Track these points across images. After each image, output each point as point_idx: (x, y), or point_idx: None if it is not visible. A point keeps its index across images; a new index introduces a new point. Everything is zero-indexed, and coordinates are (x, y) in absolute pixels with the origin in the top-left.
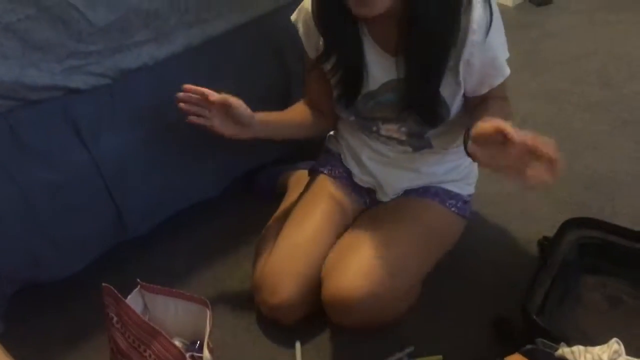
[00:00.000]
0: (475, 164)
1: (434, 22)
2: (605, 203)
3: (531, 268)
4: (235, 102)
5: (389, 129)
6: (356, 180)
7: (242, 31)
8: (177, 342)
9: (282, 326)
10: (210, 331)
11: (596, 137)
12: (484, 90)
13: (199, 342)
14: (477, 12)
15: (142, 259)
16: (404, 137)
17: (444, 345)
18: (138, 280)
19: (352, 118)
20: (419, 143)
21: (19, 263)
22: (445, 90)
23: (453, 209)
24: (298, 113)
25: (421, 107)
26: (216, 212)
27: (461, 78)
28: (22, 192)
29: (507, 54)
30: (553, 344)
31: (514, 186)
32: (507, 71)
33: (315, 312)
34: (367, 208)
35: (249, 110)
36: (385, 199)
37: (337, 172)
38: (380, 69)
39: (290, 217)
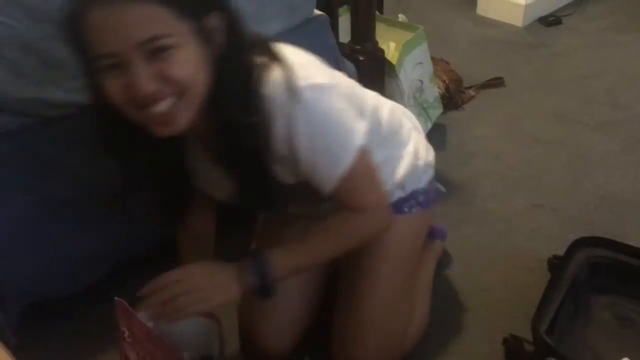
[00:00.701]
0: (419, 156)
1: (228, 105)
2: (615, 222)
3: (541, 287)
4: None
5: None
6: None
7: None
8: (187, 357)
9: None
10: (221, 347)
11: (606, 156)
12: (324, 188)
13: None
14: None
15: (150, 274)
16: (306, 214)
17: None
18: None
19: None
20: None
21: (29, 280)
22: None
23: (414, 209)
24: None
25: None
26: (230, 226)
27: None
28: (37, 205)
29: (346, 157)
30: None
31: (523, 205)
32: (338, 172)
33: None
34: None
35: None
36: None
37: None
38: (213, 179)
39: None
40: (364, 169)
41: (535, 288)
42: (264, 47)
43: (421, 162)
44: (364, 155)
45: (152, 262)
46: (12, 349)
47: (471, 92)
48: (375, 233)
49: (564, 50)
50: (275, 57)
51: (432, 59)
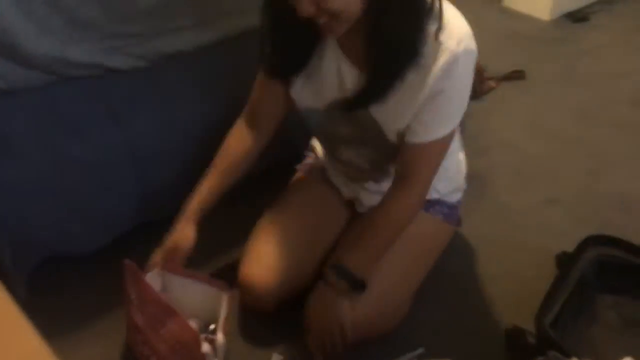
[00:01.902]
0: (461, 170)
1: (396, 28)
2: (628, 223)
3: (548, 281)
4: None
5: (349, 154)
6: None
7: None
8: (193, 324)
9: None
10: (228, 315)
11: (624, 156)
12: (414, 139)
13: (213, 326)
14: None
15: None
16: (366, 165)
17: (455, 349)
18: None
19: (314, 124)
20: (379, 175)
21: (48, 233)
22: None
23: (439, 215)
24: (236, 153)
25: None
26: (245, 198)
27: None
28: (56, 166)
29: (462, 108)
30: (564, 358)
31: (537, 200)
32: (448, 129)
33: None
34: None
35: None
36: (362, 210)
37: (317, 174)
38: (334, 75)
39: (268, 212)
40: (441, 148)
41: (542, 282)
42: None
43: (461, 177)
44: (454, 131)
45: (167, 229)
46: (21, 303)
47: (492, 83)
48: (413, 217)
49: (590, 47)
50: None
51: None
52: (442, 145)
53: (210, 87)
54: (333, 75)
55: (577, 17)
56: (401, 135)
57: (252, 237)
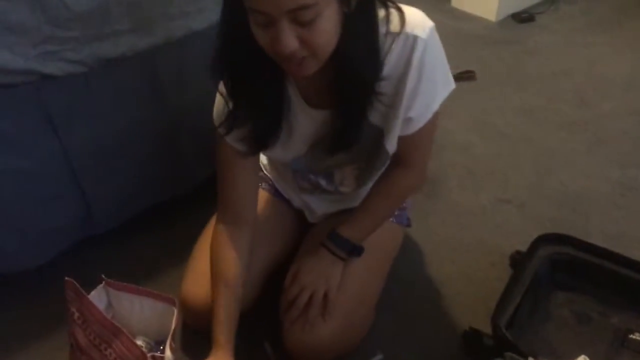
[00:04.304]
0: None
1: (359, 60)
2: (578, 220)
3: (503, 281)
4: None
5: (329, 176)
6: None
7: None
8: (140, 342)
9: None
10: (175, 330)
11: (571, 154)
12: (409, 130)
13: (163, 343)
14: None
15: (110, 255)
16: (351, 182)
17: (414, 355)
18: (102, 276)
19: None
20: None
21: None
22: (377, 120)
23: (392, 218)
24: (235, 263)
25: (353, 138)
26: (188, 210)
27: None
28: None
29: (443, 92)
30: (521, 358)
31: (488, 200)
32: (434, 108)
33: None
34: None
35: None
36: (313, 220)
37: (267, 185)
38: (306, 125)
39: (208, 228)
40: (433, 127)
41: (497, 282)
42: None
43: None
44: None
45: (109, 243)
46: None
47: None
48: (414, 192)
49: (535, 47)
50: (393, 4)
51: None
52: (434, 121)
53: (151, 92)
54: (305, 123)
55: (522, 17)
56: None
57: (192, 255)
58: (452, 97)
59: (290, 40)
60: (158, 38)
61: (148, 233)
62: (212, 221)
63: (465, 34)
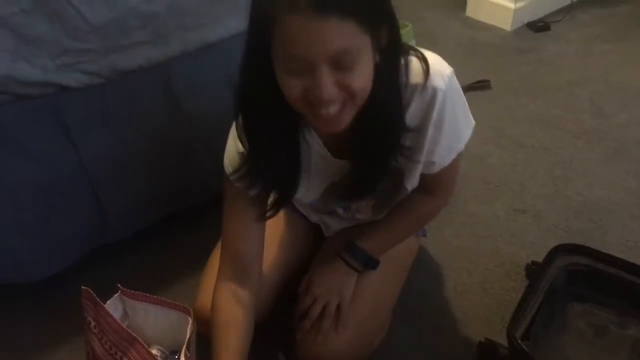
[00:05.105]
0: None
1: (382, 106)
2: (594, 231)
3: (518, 292)
4: None
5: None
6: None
7: (240, 38)
8: (155, 351)
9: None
10: (190, 340)
11: (588, 164)
12: (431, 170)
13: (178, 352)
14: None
15: (125, 264)
16: (368, 212)
17: None
18: (119, 285)
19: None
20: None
21: None
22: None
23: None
24: (241, 323)
25: (371, 183)
26: (204, 219)
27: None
28: (5, 189)
29: (466, 133)
30: None
31: (504, 210)
32: (457, 149)
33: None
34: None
35: None
36: (329, 234)
37: None
38: (324, 172)
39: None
40: (458, 163)
41: (512, 293)
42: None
43: None
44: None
45: (125, 252)
46: None
47: None
48: (436, 215)
49: (551, 56)
50: (414, 51)
51: None
52: (458, 159)
53: (166, 103)
54: (323, 170)
55: (538, 26)
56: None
57: (207, 266)
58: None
59: (330, 86)
60: (173, 49)
61: (163, 242)
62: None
63: (480, 43)
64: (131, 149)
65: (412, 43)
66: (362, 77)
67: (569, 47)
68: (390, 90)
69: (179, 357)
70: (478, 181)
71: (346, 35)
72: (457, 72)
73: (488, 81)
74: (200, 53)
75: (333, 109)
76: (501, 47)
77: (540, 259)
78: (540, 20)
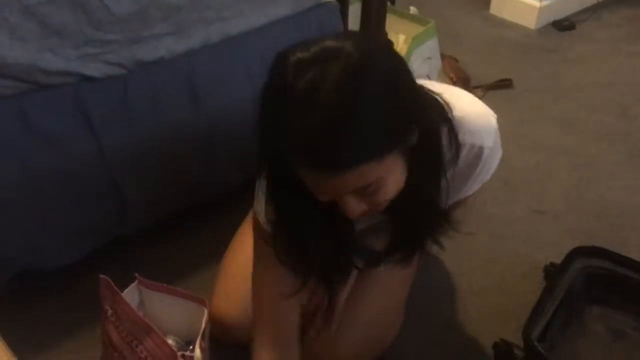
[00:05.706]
0: None
1: (420, 187)
2: (615, 234)
3: (536, 293)
4: None
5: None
6: None
7: (261, 32)
8: (170, 341)
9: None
10: (205, 331)
11: (611, 166)
12: (459, 197)
13: (193, 342)
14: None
15: (143, 254)
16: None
17: None
18: (136, 274)
19: None
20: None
21: (18, 248)
22: None
23: None
24: None
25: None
26: (220, 212)
27: None
28: (28, 177)
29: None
30: None
31: (523, 211)
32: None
33: None
34: None
35: None
36: None
37: None
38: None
39: (234, 242)
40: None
41: (529, 294)
42: (445, 115)
43: None
44: None
45: (142, 244)
46: None
47: (479, 92)
48: None
49: (576, 56)
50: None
51: (440, 55)
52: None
53: (187, 95)
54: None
55: (563, 25)
56: None
57: (220, 270)
58: (489, 106)
59: (356, 208)
60: (195, 42)
61: (181, 233)
62: (241, 230)
63: (504, 41)
64: (152, 139)
65: (434, 40)
66: (390, 191)
67: (594, 47)
68: (430, 175)
69: (193, 348)
70: (497, 182)
71: (368, 175)
72: (479, 70)
73: (510, 80)
74: (222, 46)
75: (361, 213)
76: (525, 46)
77: (558, 261)
78: (566, 19)
